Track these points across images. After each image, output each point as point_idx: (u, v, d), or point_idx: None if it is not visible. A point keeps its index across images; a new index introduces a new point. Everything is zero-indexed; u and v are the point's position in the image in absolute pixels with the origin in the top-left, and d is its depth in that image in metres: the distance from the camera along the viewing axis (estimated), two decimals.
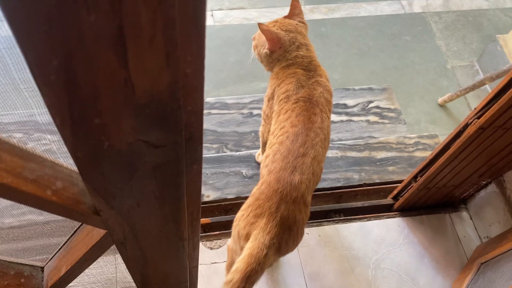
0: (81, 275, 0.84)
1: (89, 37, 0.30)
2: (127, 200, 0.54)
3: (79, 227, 0.74)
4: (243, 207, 1.09)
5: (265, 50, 1.33)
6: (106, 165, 0.46)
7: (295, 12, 1.38)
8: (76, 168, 0.56)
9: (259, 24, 1.27)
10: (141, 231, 0.65)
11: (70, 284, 0.88)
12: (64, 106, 0.36)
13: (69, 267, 0.75)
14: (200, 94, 0.42)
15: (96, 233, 0.67)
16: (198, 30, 0.34)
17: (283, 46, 1.30)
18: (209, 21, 2.41)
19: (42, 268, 0.86)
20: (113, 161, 0.45)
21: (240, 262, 0.98)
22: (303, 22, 1.37)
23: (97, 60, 0.32)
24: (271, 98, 1.31)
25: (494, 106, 1.10)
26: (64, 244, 0.79)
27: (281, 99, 1.24)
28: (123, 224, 0.61)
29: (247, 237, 1.03)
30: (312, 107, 1.19)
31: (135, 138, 0.43)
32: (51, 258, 0.84)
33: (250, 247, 0.99)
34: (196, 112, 0.44)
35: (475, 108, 1.18)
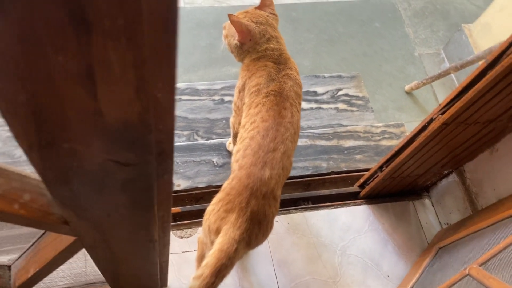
0: None
1: (57, 75, 0.30)
2: (97, 212, 0.54)
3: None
4: (214, 201, 1.10)
5: (235, 42, 1.32)
6: (75, 182, 0.46)
7: (266, 3, 1.36)
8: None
9: (229, 15, 1.25)
10: (111, 237, 0.65)
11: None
12: (31, 133, 0.36)
13: (37, 269, 0.74)
14: (171, 115, 0.42)
15: (65, 238, 0.66)
16: (169, 61, 0.34)
17: (253, 38, 1.29)
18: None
19: (9, 267, 0.85)
20: (82, 179, 0.45)
21: (211, 257, 0.99)
22: (274, 14, 1.36)
23: (65, 95, 0.32)
24: (241, 90, 1.31)
25: (457, 103, 1.14)
26: (32, 244, 0.78)
27: (252, 92, 1.24)
28: (93, 232, 0.61)
29: (217, 231, 1.04)
30: (283, 101, 1.20)
31: (105, 158, 0.42)
32: (19, 258, 0.83)
33: (220, 242, 1.00)
34: (167, 131, 0.44)
35: (439, 105, 1.22)
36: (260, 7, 1.35)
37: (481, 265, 1.08)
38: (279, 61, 1.28)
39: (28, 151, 0.38)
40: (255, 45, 1.29)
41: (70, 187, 0.46)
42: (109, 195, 0.50)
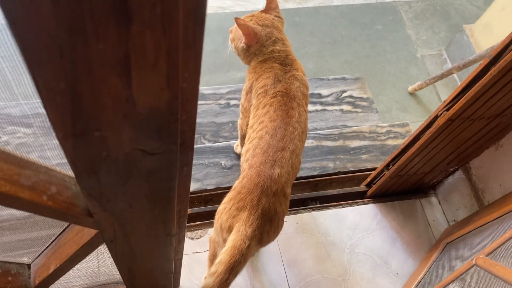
0: None
1: (96, 63, 0.32)
2: (120, 203, 0.56)
3: (67, 226, 0.75)
4: (225, 200, 1.12)
5: (242, 44, 1.35)
6: (102, 172, 0.48)
7: (271, 6, 1.40)
8: (69, 172, 0.58)
9: (236, 19, 1.28)
10: (131, 230, 0.67)
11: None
12: (67, 122, 0.38)
13: (58, 265, 0.76)
14: (194, 105, 0.45)
15: (87, 233, 0.69)
16: (196, 52, 0.36)
17: (260, 40, 1.32)
18: None
19: (29, 266, 0.87)
20: (109, 168, 0.47)
21: (224, 254, 1.01)
22: (279, 17, 1.39)
23: (102, 82, 0.34)
24: (249, 91, 1.34)
25: (461, 99, 1.16)
26: (52, 242, 0.80)
27: (259, 94, 1.26)
28: (114, 224, 0.63)
29: (229, 229, 1.06)
30: (290, 102, 1.23)
31: (132, 147, 0.45)
32: (38, 256, 0.85)
33: (233, 239, 1.03)
34: (189, 121, 0.47)
35: (444, 101, 1.25)
36: (266, 10, 1.39)
37: (487, 255, 1.10)
38: (285, 63, 1.31)
39: (62, 140, 0.41)
40: (261, 47, 1.32)
41: (97, 177, 0.49)
42: (133, 185, 0.52)
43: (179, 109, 0.42)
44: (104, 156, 0.45)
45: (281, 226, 1.13)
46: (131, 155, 0.46)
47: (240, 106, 1.41)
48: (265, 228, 1.06)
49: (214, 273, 0.99)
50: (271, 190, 1.07)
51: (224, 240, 1.07)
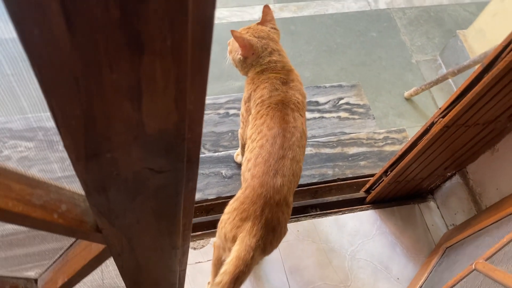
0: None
1: (109, 91, 0.34)
2: (128, 219, 0.58)
3: (75, 241, 0.77)
4: (228, 209, 1.14)
5: (239, 56, 1.38)
6: (112, 190, 0.50)
7: (267, 18, 1.43)
8: (78, 190, 0.60)
9: (232, 31, 1.31)
10: (137, 244, 0.69)
11: None
12: (80, 145, 0.40)
13: (66, 279, 0.78)
14: (200, 125, 0.47)
15: (95, 247, 0.70)
16: (202, 76, 0.38)
17: (256, 52, 1.35)
18: None
19: (36, 280, 0.88)
20: (119, 187, 0.49)
21: (229, 265, 1.03)
22: (275, 28, 1.42)
23: (114, 108, 0.36)
24: (247, 101, 1.36)
25: (456, 106, 1.18)
26: (59, 257, 0.82)
27: (257, 104, 1.29)
28: (122, 239, 0.65)
29: (233, 239, 1.08)
30: (284, 108, 1.25)
31: (141, 166, 0.47)
32: (45, 271, 0.87)
33: (237, 249, 1.04)
34: (194, 140, 0.48)
35: (440, 108, 1.27)
36: (262, 22, 1.42)
37: (486, 259, 1.11)
38: (282, 73, 1.33)
39: (75, 162, 0.42)
40: (258, 58, 1.35)
41: (107, 195, 0.50)
42: (141, 202, 0.54)
43: (186, 129, 0.44)
44: (114, 175, 0.46)
45: (284, 233, 1.15)
46: (140, 174, 0.48)
47: (240, 115, 1.43)
48: (269, 237, 1.08)
49: (219, 283, 1.01)
50: (274, 200, 1.09)
51: (229, 249, 1.08)
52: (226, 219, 1.12)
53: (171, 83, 0.35)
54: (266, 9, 1.43)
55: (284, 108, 1.25)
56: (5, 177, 0.50)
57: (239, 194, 1.14)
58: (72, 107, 0.35)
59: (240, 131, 1.47)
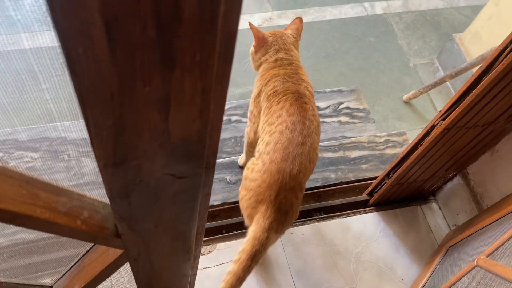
0: None
1: (140, 102, 0.37)
2: (147, 223, 0.60)
3: (91, 247, 0.79)
4: (245, 186, 1.24)
5: (252, 48, 1.49)
6: (134, 196, 0.52)
7: (292, 26, 1.53)
8: (97, 197, 0.62)
9: (249, 23, 1.43)
10: (154, 248, 0.71)
11: None
12: (109, 153, 0.43)
13: (82, 285, 0.80)
14: (218, 132, 0.49)
15: (112, 253, 0.72)
16: (223, 86, 0.41)
17: (265, 45, 1.44)
18: None
19: (51, 287, 0.91)
20: (140, 192, 0.52)
21: (246, 244, 1.15)
22: (293, 35, 1.51)
23: (143, 118, 0.39)
24: (257, 97, 1.43)
25: (456, 109, 1.21)
26: (75, 263, 0.84)
27: (270, 95, 1.35)
28: (139, 244, 0.67)
29: (249, 216, 1.21)
30: (301, 97, 1.31)
31: (163, 172, 0.49)
32: (61, 277, 0.89)
33: (253, 230, 1.16)
34: (213, 146, 0.51)
35: (440, 111, 1.30)
36: (285, 29, 1.53)
37: (488, 255, 1.14)
38: (291, 68, 1.41)
39: (103, 169, 0.45)
40: (266, 55, 1.43)
41: (129, 200, 0.53)
42: (160, 207, 0.57)
43: (207, 136, 0.47)
44: (137, 181, 0.49)
45: (296, 216, 1.26)
46: (161, 180, 0.50)
47: (249, 113, 1.48)
48: (281, 219, 1.18)
49: (238, 260, 1.14)
50: (289, 186, 1.17)
51: (247, 216, 1.23)
52: (244, 195, 1.23)
53: (198, 94, 0.38)
54: (296, 20, 1.55)
55: (301, 97, 1.31)
56: (33, 185, 0.52)
57: (256, 175, 1.20)
58: (105, 119, 0.37)
59: (247, 130, 1.51)
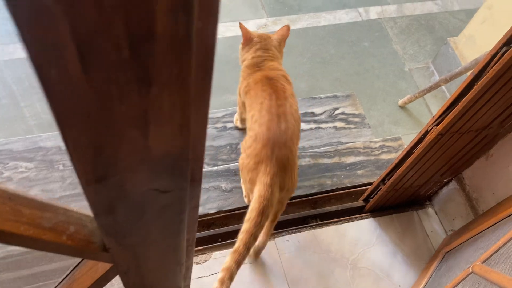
0: None
1: (118, 121, 0.37)
2: (135, 237, 0.60)
3: (81, 260, 0.78)
4: (244, 155, 1.35)
5: (240, 45, 1.64)
6: (119, 211, 0.52)
7: (279, 32, 1.69)
8: (85, 211, 0.62)
9: (240, 23, 1.62)
10: (143, 261, 0.70)
11: None
12: (89, 170, 0.42)
13: None
14: (202, 145, 0.49)
15: (101, 266, 0.72)
16: (204, 100, 0.41)
17: (250, 43, 1.60)
18: None
19: None
20: (125, 208, 0.51)
21: (254, 203, 1.24)
22: (277, 41, 1.65)
23: (122, 135, 0.39)
24: (242, 81, 1.60)
25: (449, 114, 1.21)
26: (65, 277, 0.83)
27: (246, 86, 1.53)
28: (128, 257, 0.66)
29: (251, 181, 1.28)
30: (271, 79, 1.48)
31: (147, 187, 0.49)
32: None
33: (258, 189, 1.24)
34: (197, 160, 0.51)
35: (433, 116, 1.30)
36: (274, 34, 1.68)
37: (483, 262, 1.13)
38: (261, 64, 1.57)
39: (85, 186, 0.45)
40: (248, 53, 1.59)
41: (114, 216, 0.52)
42: (147, 221, 0.56)
43: (190, 151, 0.46)
44: (121, 197, 0.48)
45: (295, 176, 1.34)
46: (146, 194, 0.50)
47: (238, 89, 1.67)
48: (281, 174, 1.26)
49: (249, 219, 1.22)
50: (281, 141, 1.27)
51: (251, 190, 1.31)
52: (246, 163, 1.32)
53: (176, 110, 0.37)
54: (284, 27, 1.69)
55: (271, 79, 1.47)
56: (16, 202, 0.52)
57: (250, 142, 1.32)
58: (83, 137, 0.37)
59: (238, 100, 1.71)
